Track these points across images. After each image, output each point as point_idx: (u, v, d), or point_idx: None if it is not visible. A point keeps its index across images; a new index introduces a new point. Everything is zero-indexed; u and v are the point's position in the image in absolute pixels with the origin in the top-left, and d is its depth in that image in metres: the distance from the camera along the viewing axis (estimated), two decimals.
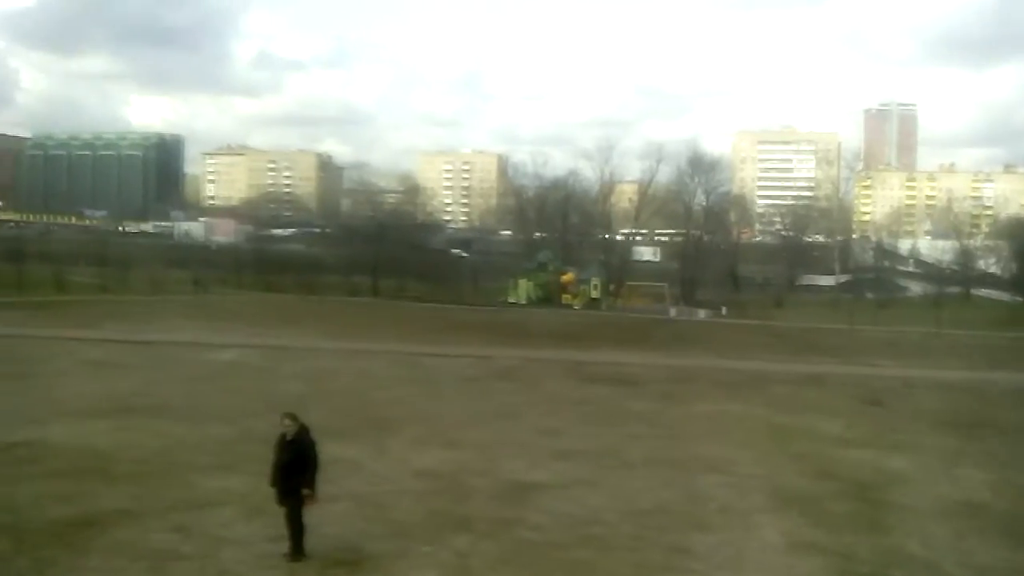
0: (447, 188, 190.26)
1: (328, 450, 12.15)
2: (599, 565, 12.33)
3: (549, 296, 72.82)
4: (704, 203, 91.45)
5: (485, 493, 15.62)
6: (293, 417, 11.88)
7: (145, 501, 14.32)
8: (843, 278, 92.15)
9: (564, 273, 75.43)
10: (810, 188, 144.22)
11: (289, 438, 11.70)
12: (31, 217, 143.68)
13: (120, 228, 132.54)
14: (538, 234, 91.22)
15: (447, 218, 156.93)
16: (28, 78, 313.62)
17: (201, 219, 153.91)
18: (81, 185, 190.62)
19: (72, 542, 12.23)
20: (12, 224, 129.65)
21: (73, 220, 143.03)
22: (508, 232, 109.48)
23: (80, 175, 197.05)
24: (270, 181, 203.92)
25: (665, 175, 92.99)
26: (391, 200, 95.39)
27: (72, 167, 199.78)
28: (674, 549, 13.07)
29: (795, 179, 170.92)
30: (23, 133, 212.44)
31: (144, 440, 19.04)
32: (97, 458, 17.24)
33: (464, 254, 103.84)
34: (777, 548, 13.36)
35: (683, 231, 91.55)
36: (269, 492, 12.03)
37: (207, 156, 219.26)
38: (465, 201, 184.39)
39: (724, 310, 69.75)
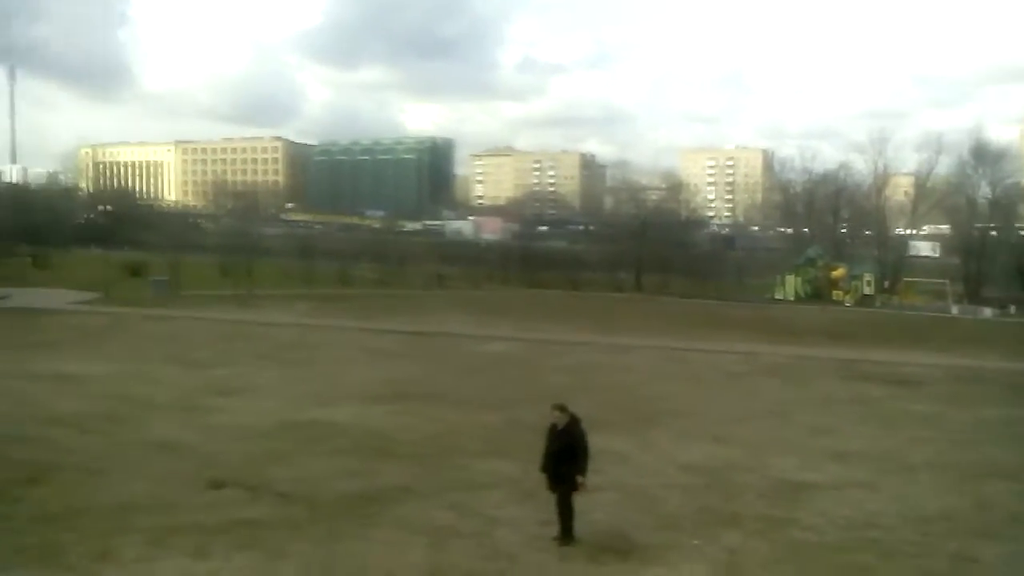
0: (710, 184, 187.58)
1: (595, 441, 12.25)
2: (880, 571, 11.73)
3: (818, 292, 69.96)
4: (989, 195, 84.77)
5: (754, 490, 15.27)
6: (563, 408, 12.12)
7: (423, 480, 15.06)
8: None
9: (835, 268, 72.29)
10: None
11: (560, 428, 11.94)
12: (318, 217, 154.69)
13: (397, 227, 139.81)
14: (806, 230, 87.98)
15: (710, 214, 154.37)
16: (314, 90, 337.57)
17: (470, 217, 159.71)
18: (363, 187, 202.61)
19: (360, 514, 13.06)
20: (302, 224, 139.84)
21: (355, 220, 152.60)
22: (774, 228, 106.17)
23: (361, 178, 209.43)
24: (535, 180, 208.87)
25: (945, 167, 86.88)
26: (654, 197, 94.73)
27: (354, 171, 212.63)
28: (960, 557, 12.24)
29: None
30: (310, 141, 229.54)
31: (420, 424, 20.06)
32: (379, 438, 18.36)
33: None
34: None
35: (965, 225, 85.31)
36: (539, 477, 12.32)
37: (475, 158, 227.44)
38: (729, 197, 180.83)
39: (1012, 308, 64.46)
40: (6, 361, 27.64)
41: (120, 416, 20.11)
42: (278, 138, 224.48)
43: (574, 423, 12.03)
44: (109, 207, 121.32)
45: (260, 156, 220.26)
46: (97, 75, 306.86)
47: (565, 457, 11.83)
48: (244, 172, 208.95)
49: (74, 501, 13.36)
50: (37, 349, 31.05)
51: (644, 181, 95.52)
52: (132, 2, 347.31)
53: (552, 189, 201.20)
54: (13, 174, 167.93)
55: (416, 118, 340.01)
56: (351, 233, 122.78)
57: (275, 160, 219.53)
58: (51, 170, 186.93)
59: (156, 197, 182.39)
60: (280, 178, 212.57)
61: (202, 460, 16.17)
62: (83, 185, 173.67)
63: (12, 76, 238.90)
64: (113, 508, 13.08)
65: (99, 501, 13.42)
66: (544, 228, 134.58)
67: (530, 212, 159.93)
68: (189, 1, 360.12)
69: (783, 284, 71.24)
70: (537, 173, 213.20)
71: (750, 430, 20.60)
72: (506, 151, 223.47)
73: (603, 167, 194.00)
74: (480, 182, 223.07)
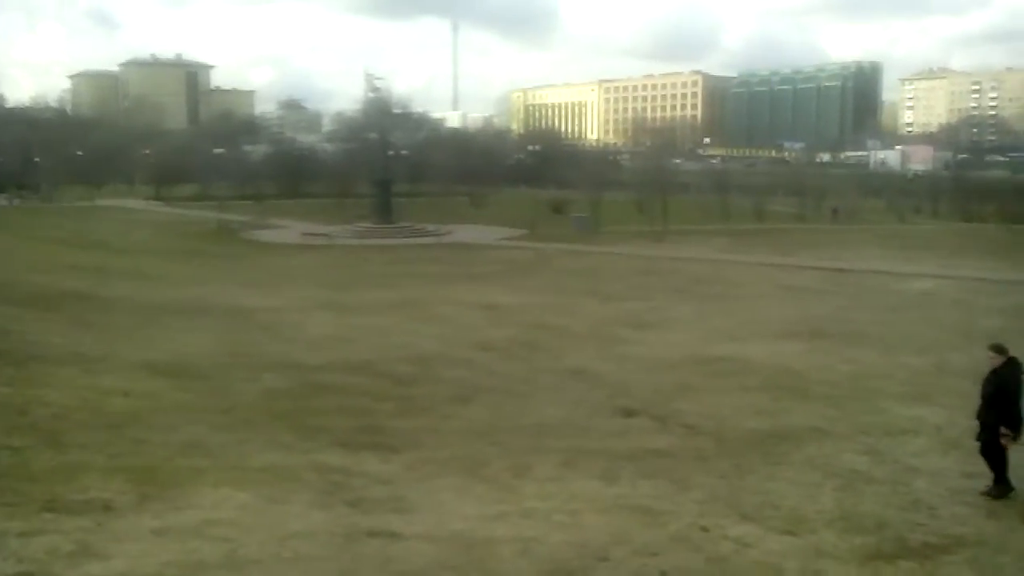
0: None
1: None
2: None
3: None
4: None
5: None
6: (999, 348, 11.02)
7: (837, 422, 14.44)
8: None
9: None
10: None
11: (994, 370, 10.89)
12: (735, 151, 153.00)
13: (817, 159, 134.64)
14: None
15: None
16: (734, 21, 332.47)
17: (897, 147, 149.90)
18: (781, 119, 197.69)
19: (768, 452, 12.80)
20: (717, 159, 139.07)
21: (773, 153, 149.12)
22: None
23: (780, 109, 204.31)
24: (973, 104, 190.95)
25: None
26: None
27: (773, 102, 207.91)
28: None
29: None
30: (730, 73, 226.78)
31: (836, 364, 19.24)
32: (791, 377, 17.87)
33: None
34: None
35: None
36: (965, 426, 11.35)
37: (905, 82, 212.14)
38: None
39: None
40: (444, 291, 30.40)
41: (540, 344, 21.37)
42: (697, 72, 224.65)
43: (1010, 365, 10.89)
44: (537, 147, 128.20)
45: (679, 92, 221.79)
46: (528, 22, 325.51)
47: (998, 403, 10.78)
48: (663, 108, 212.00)
49: (497, 420, 14.41)
50: (471, 280, 33.83)
51: None
52: None
53: (993, 113, 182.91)
54: (456, 120, 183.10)
55: (841, 42, 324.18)
56: (768, 167, 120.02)
57: (694, 95, 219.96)
58: (487, 115, 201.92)
59: (580, 136, 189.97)
60: (698, 113, 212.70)
61: (614, 389, 16.75)
62: (514, 127, 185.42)
63: (455, 29, 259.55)
64: (531, 428, 13.94)
65: (519, 421, 14.36)
66: (981, 156, 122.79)
67: (966, 139, 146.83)
68: None
69: None
70: (976, 96, 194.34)
71: None
72: (940, 73, 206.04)
73: None
74: (910, 108, 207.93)
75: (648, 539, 9.35)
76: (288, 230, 55.76)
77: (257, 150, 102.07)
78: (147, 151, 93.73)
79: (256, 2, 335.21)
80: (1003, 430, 10.72)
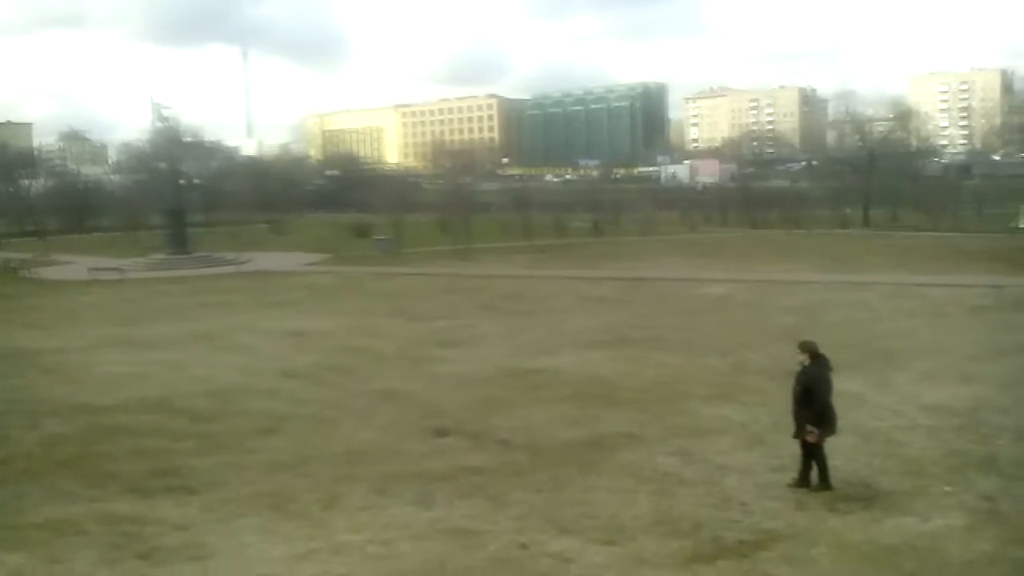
0: (942, 111, 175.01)
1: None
2: None
3: None
4: None
5: (1011, 432, 13.84)
6: (806, 347, 11.39)
7: (647, 427, 14.58)
8: None
9: None
10: None
11: (801, 369, 11.20)
12: (533, 170, 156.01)
13: (611, 175, 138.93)
14: None
15: (943, 143, 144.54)
16: (525, 46, 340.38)
17: (685, 162, 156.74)
18: (576, 138, 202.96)
19: (583, 462, 12.74)
20: (517, 178, 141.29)
21: (569, 171, 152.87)
22: (1015, 153, 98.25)
23: (574, 129, 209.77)
24: (752, 120, 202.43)
25: None
26: (881, 128, 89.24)
27: (567, 122, 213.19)
28: None
29: None
30: (524, 96, 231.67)
31: (642, 370, 19.57)
32: (601, 385, 18.01)
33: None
34: None
35: None
36: (767, 422, 11.63)
37: (689, 101, 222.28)
38: (964, 123, 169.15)
39: None
40: (246, 320, 29.20)
41: (348, 368, 20.73)
42: (492, 95, 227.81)
43: (817, 363, 11.22)
44: (336, 172, 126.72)
45: (475, 114, 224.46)
46: (320, 47, 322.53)
47: (807, 400, 11.07)
48: (460, 131, 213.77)
49: (304, 450, 13.74)
50: (273, 307, 32.67)
51: (870, 112, 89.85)
52: None
53: (770, 127, 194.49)
54: (251, 147, 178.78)
55: (627, 65, 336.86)
56: (566, 184, 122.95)
57: (490, 117, 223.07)
58: (283, 141, 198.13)
59: (379, 160, 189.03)
60: (495, 134, 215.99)
61: (426, 409, 16.36)
62: (312, 153, 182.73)
63: (245, 56, 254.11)
64: (341, 456, 13.37)
65: (328, 450, 13.75)
66: (762, 167, 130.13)
67: (748, 152, 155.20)
68: None
69: None
70: (754, 112, 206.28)
71: (1001, 368, 18.82)
72: (720, 92, 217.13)
73: (824, 101, 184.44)
74: (695, 125, 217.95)
75: (467, 563, 9.05)
76: (74, 266, 52.44)
77: (37, 184, 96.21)
78: None
79: (28, 31, 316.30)
80: (808, 427, 11.01)
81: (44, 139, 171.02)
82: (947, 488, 11.27)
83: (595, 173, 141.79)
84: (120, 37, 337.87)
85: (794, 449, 11.48)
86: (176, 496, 11.47)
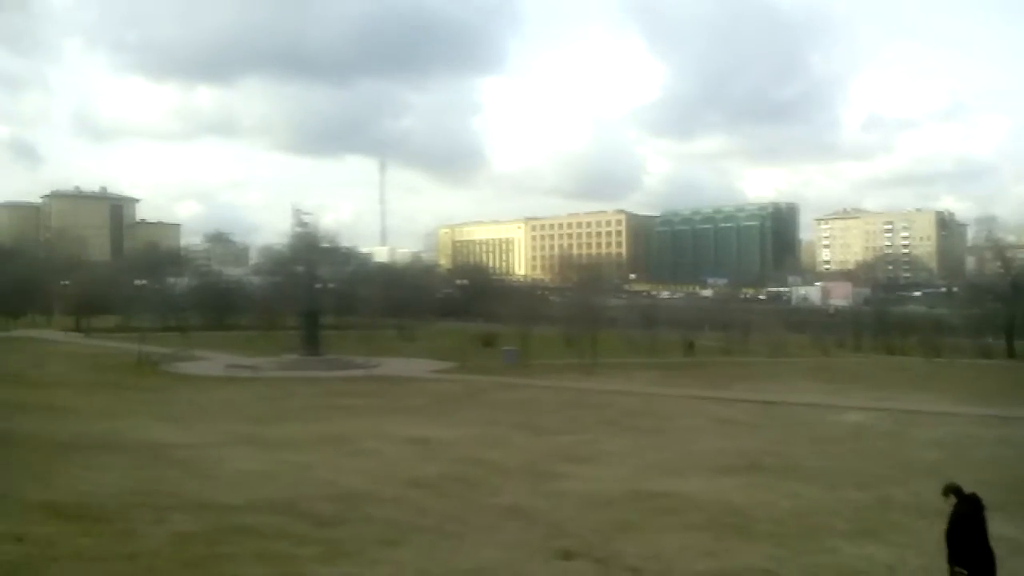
0: None
1: None
2: None
3: None
4: None
5: None
6: (951, 490, 10.60)
7: (785, 564, 13.73)
8: None
9: None
10: None
11: (953, 512, 10.44)
12: (661, 287, 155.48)
13: (741, 294, 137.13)
14: None
15: None
16: (654, 163, 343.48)
17: (817, 283, 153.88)
18: (703, 256, 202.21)
19: None
20: (645, 294, 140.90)
21: (697, 289, 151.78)
22: None
23: (702, 247, 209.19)
24: (886, 242, 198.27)
25: None
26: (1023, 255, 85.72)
27: (695, 240, 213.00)
28: None
29: None
30: (651, 212, 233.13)
31: (777, 499, 18.65)
32: (734, 514, 17.18)
33: None
34: None
35: None
36: (916, 564, 10.84)
37: (820, 222, 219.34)
38: None
39: None
40: (373, 425, 29.35)
41: (473, 480, 20.44)
42: (620, 211, 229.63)
43: (965, 503, 10.42)
44: (465, 282, 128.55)
45: (603, 229, 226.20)
46: (454, 161, 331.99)
47: (956, 543, 10.26)
48: (588, 245, 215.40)
49: (429, 565, 13.39)
50: (400, 413, 32.83)
51: (1011, 238, 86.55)
52: (484, 91, 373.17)
53: (905, 251, 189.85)
54: (384, 255, 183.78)
55: (756, 184, 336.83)
56: (693, 302, 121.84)
57: (618, 232, 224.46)
58: (415, 250, 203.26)
59: (507, 272, 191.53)
60: (623, 250, 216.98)
61: (551, 528, 15.86)
62: (442, 262, 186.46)
63: (383, 167, 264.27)
64: (466, 573, 12.97)
65: (453, 566, 13.36)
66: (897, 292, 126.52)
67: (882, 275, 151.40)
68: (534, 87, 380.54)
69: None
70: (888, 235, 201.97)
71: None
72: (853, 213, 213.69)
73: (963, 225, 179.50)
74: (827, 246, 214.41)
75: None
76: (212, 362, 54.22)
77: (182, 282, 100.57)
78: (66, 282, 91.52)
79: (181, 138, 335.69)
80: (957, 569, 10.19)
81: (191, 239, 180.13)
82: None
83: (722, 292, 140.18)
84: (266, 147, 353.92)
85: None
86: None
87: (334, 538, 14.87)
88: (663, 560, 13.83)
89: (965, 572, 10.22)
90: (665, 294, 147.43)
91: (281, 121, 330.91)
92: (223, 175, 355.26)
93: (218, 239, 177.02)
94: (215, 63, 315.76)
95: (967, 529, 10.34)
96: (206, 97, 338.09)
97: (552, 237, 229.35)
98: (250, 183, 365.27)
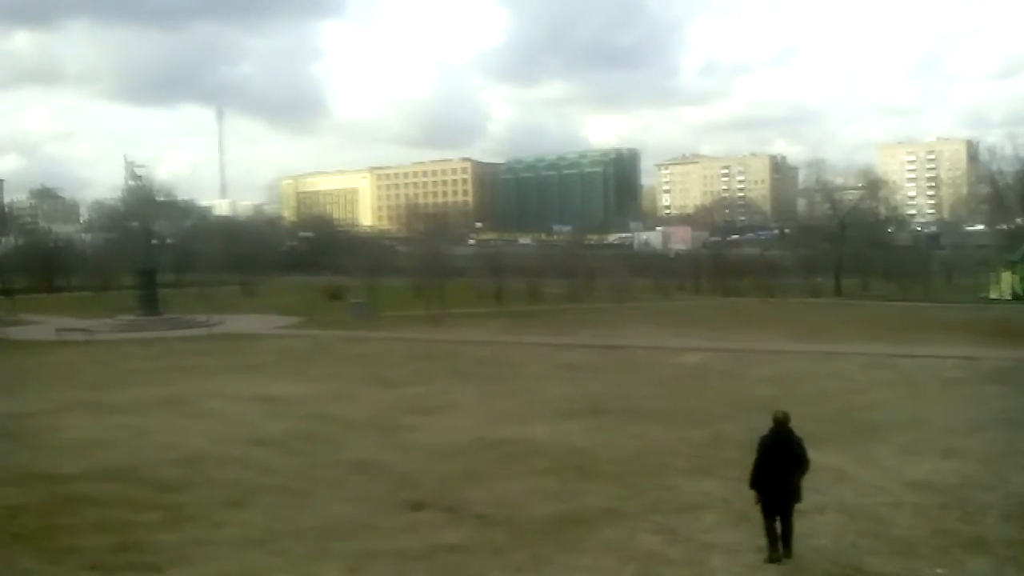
0: (910, 180, 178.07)
1: (810, 457, 11.26)
2: None
3: None
4: None
5: (998, 510, 13.61)
6: (774, 417, 11.38)
7: (628, 502, 14.25)
8: None
9: None
10: None
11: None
12: (506, 235, 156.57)
13: (585, 241, 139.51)
14: (1021, 221, 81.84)
15: (912, 212, 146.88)
16: (498, 110, 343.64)
17: (658, 228, 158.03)
18: (549, 203, 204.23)
19: (563, 539, 12.37)
20: (490, 242, 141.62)
21: (542, 236, 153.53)
22: (984, 223, 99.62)
23: (547, 194, 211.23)
24: (723, 187, 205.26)
25: None
26: (850, 197, 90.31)
27: (540, 187, 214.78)
28: None
29: None
30: (497, 160, 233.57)
31: (620, 441, 19.25)
32: (579, 456, 17.66)
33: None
34: None
35: None
36: (750, 497, 11.41)
37: (661, 167, 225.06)
38: (931, 193, 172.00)
39: None
40: (216, 384, 28.68)
41: (319, 436, 20.30)
42: (466, 159, 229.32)
43: (767, 433, 11.35)
44: (310, 234, 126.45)
45: (449, 178, 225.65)
46: (296, 109, 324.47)
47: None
48: (435, 194, 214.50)
49: (276, 524, 13.29)
50: (243, 372, 32.17)
51: (839, 181, 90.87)
52: (325, 36, 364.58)
53: (742, 194, 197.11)
54: (224, 208, 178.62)
55: (599, 130, 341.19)
56: (539, 249, 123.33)
57: (464, 181, 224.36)
58: (257, 202, 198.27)
59: (353, 223, 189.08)
60: (469, 198, 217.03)
61: (400, 480, 15.96)
62: (286, 215, 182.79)
63: (220, 116, 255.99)
64: (314, 531, 12.93)
65: (300, 524, 13.29)
66: (735, 235, 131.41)
67: (720, 219, 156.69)
68: (375, 32, 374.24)
69: (998, 282, 66.14)
70: (725, 179, 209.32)
71: (982, 442, 18.66)
72: (692, 158, 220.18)
73: (794, 169, 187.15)
74: (667, 191, 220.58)
75: None
76: (41, 326, 51.64)
77: (6, 242, 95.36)
78: None
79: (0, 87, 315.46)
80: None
81: (15, 196, 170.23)
82: (939, 571, 11.00)
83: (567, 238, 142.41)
84: (94, 95, 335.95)
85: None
86: (140, 573, 11.01)
87: (177, 503, 14.56)
88: (510, 505, 14.11)
89: (759, 496, 10.96)
90: (524, 241, 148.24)
91: (110, 68, 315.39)
92: (47, 126, 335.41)
93: (44, 195, 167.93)
94: (35, 5, 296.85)
95: (764, 456, 11.01)
96: (25, 41, 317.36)
97: (398, 187, 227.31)
98: (78, 134, 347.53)
